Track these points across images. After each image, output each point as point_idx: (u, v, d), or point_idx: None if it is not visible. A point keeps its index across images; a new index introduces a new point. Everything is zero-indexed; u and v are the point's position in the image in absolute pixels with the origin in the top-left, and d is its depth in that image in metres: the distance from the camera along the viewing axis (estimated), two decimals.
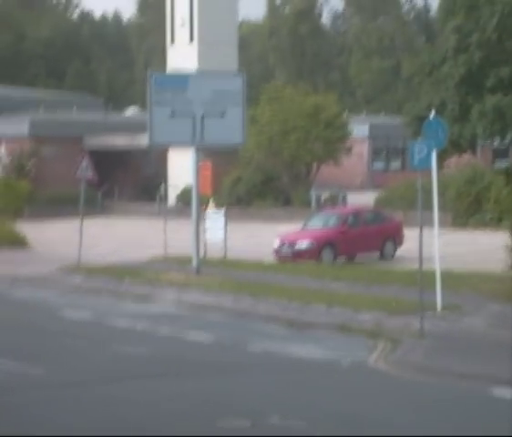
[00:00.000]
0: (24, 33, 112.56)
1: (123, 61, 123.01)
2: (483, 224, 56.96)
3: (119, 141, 78.51)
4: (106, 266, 42.78)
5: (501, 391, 19.89)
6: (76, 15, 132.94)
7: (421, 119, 45.41)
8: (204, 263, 41.66)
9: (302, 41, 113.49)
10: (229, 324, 30.26)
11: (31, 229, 54.78)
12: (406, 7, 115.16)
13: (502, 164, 74.56)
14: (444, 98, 68.21)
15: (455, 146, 61.24)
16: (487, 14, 73.89)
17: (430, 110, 37.83)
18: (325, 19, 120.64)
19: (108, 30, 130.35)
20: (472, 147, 70.67)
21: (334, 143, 73.34)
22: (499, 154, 79.98)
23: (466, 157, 69.73)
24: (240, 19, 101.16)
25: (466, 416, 18.76)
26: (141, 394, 20.47)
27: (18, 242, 52.27)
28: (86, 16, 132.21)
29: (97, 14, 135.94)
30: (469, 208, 59.74)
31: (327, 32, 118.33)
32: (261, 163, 73.42)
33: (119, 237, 55.38)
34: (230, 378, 22.41)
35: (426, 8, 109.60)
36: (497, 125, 67.66)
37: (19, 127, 79.90)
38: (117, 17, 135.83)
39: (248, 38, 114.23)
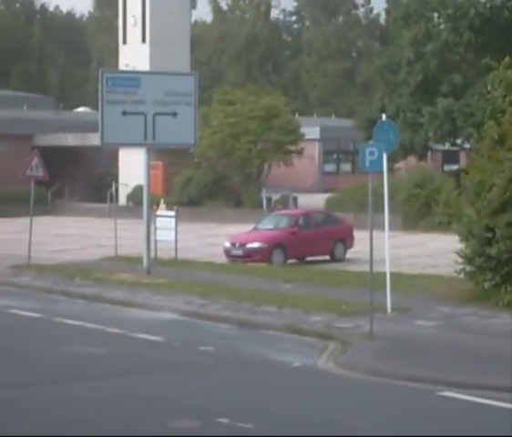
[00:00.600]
0: None
1: (80, 59, 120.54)
2: (432, 227, 57.48)
3: (70, 140, 78.52)
4: (56, 264, 42.87)
5: (446, 393, 20.20)
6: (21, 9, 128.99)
7: (372, 122, 45.84)
8: (155, 263, 41.89)
9: (256, 42, 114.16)
10: (180, 325, 30.38)
11: None
12: (362, 11, 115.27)
13: (452, 167, 75.75)
14: (398, 105, 69.90)
15: (406, 149, 62.82)
16: (441, 21, 75.69)
17: (382, 114, 38.92)
18: (279, 20, 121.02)
19: (63, 26, 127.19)
20: (423, 150, 72.27)
21: (285, 145, 74.12)
22: (449, 158, 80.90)
23: (416, 160, 71.19)
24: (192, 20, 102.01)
25: (413, 418, 18.92)
26: (92, 393, 20.48)
27: None
28: (35, 12, 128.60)
29: (50, 8, 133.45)
30: (419, 211, 60.28)
31: (280, 33, 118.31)
32: (213, 164, 73.69)
33: (70, 236, 55.27)
34: (182, 377, 22.59)
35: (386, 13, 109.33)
36: (448, 127, 69.39)
37: None
38: (71, 13, 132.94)
39: (199, 38, 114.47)
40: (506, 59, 35.62)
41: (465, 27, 69.58)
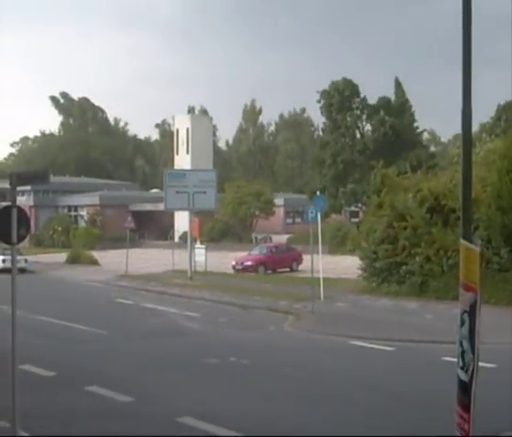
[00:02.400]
0: None
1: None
2: (346, 252, 59.09)
3: (148, 207, 79.27)
4: (140, 274, 42.91)
5: (354, 342, 20.65)
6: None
7: (312, 195, 47.05)
8: (194, 274, 41.86)
9: (254, 155, 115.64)
10: (207, 307, 30.30)
11: (100, 255, 55.41)
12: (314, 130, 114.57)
13: (355, 220, 77.54)
14: (324, 185, 71.75)
15: (331, 210, 64.15)
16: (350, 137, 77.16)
17: (317, 191, 40.24)
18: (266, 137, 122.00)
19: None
20: (339, 211, 74.09)
21: (266, 209, 75.87)
22: (353, 214, 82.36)
23: (335, 216, 72.46)
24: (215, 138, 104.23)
25: (335, 355, 19.53)
26: (160, 344, 20.80)
27: (93, 262, 53.16)
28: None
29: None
30: (338, 243, 62.09)
31: (266, 146, 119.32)
32: (226, 219, 74.78)
33: (148, 259, 54.69)
34: (208, 337, 22.75)
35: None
36: (352, 200, 71.87)
37: (93, 199, 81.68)
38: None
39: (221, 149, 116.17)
40: (381, 163, 37.55)
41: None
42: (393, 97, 77.95)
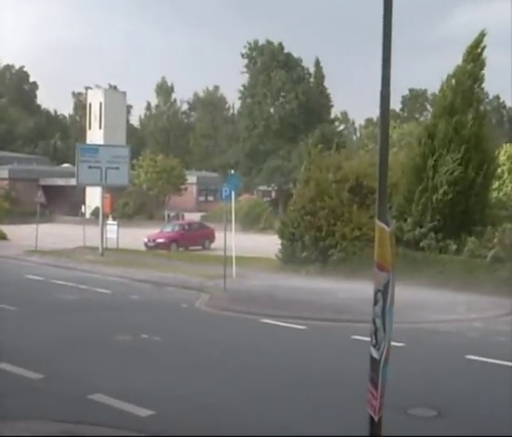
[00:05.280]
0: None
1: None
2: (259, 230, 59.73)
3: (59, 181, 78.15)
4: (51, 250, 42.38)
5: (266, 320, 20.80)
6: None
7: (226, 173, 47.35)
8: (106, 250, 41.80)
9: (167, 132, 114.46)
10: (119, 284, 30.02)
11: (9, 230, 54.16)
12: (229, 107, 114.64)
13: (267, 199, 78.37)
14: (237, 160, 72.10)
15: (244, 189, 64.51)
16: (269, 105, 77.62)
17: (231, 169, 40.38)
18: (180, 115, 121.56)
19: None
20: (252, 190, 74.76)
21: (178, 185, 75.73)
22: (265, 194, 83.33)
23: (248, 196, 73.00)
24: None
25: (247, 332, 19.47)
26: (73, 320, 20.47)
27: (2, 237, 51.75)
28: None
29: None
30: (252, 221, 62.51)
31: (180, 123, 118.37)
32: (140, 195, 74.65)
33: (58, 235, 53.58)
34: (120, 312, 22.49)
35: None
36: (266, 178, 72.89)
37: (2, 172, 79.72)
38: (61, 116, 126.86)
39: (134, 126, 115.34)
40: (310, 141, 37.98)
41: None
42: (311, 78, 78.97)
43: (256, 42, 79.55)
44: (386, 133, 5.43)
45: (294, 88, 76.27)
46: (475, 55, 30.08)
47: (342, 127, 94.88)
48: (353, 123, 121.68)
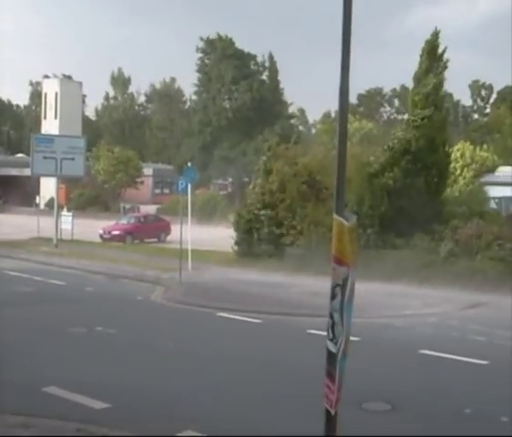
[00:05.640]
0: None
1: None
2: (215, 223, 59.48)
3: (13, 172, 77.29)
4: (4, 241, 41.63)
5: (222, 314, 20.80)
6: None
7: (182, 166, 47.06)
8: (60, 242, 41.56)
9: (123, 124, 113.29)
10: (74, 275, 29.84)
11: None
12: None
13: (223, 192, 78.34)
14: (193, 154, 72.22)
15: (200, 182, 64.45)
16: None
17: (188, 162, 40.26)
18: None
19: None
20: (208, 184, 74.74)
21: (134, 178, 75.40)
22: (222, 187, 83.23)
23: (204, 189, 72.79)
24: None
25: (203, 325, 19.53)
26: (28, 312, 20.28)
27: None
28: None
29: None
30: (208, 215, 62.39)
31: (136, 115, 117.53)
32: (95, 187, 73.96)
33: (12, 225, 53.02)
34: (75, 304, 22.36)
35: None
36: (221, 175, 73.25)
37: None
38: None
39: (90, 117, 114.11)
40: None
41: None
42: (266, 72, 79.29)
43: (209, 37, 79.84)
44: (345, 128, 5.45)
45: (247, 83, 76.47)
46: (435, 57, 30.43)
47: (298, 123, 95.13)
48: (307, 121, 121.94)
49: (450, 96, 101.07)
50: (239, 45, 79.30)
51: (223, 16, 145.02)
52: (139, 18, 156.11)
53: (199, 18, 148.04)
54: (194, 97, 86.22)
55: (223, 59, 77.52)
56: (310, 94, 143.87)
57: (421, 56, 30.69)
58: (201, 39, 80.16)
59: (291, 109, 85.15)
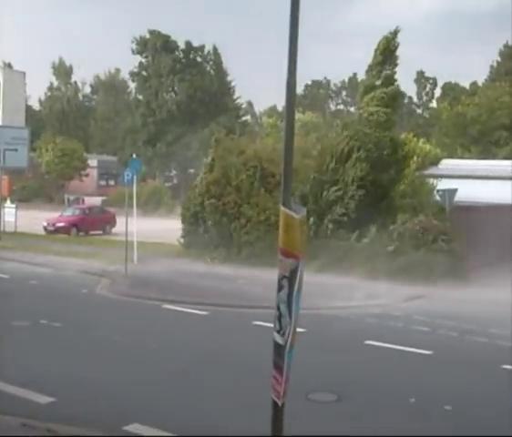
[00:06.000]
0: None
1: None
2: (161, 215, 58.95)
3: None
4: None
5: (168, 306, 20.80)
6: None
7: (127, 158, 46.92)
8: (3, 234, 40.83)
9: (67, 114, 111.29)
10: (18, 268, 29.26)
11: None
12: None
13: (168, 184, 78.19)
14: (138, 147, 71.98)
15: (146, 174, 64.31)
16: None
17: (133, 154, 40.03)
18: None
19: None
20: (153, 176, 74.52)
21: (79, 169, 74.62)
22: (167, 179, 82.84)
23: (150, 181, 72.55)
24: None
25: (151, 318, 19.49)
26: None
27: None
28: None
29: None
30: (153, 206, 61.97)
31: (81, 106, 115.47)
32: (39, 178, 73.01)
33: None
34: (20, 298, 21.77)
35: None
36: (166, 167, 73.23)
37: None
38: None
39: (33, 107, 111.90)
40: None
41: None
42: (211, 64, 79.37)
43: (142, 36, 79.90)
44: (292, 120, 5.47)
45: (188, 76, 76.45)
46: (387, 53, 30.73)
47: (246, 117, 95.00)
48: (255, 114, 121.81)
49: (398, 89, 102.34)
50: (186, 36, 79.30)
51: (169, 4, 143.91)
52: (83, 5, 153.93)
53: (144, 8, 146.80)
54: (136, 91, 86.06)
55: (159, 54, 77.50)
56: (258, 87, 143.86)
57: (375, 51, 30.94)
58: (133, 41, 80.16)
59: (239, 102, 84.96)
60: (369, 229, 28.97)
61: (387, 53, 31.02)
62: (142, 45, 79.44)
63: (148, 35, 79.84)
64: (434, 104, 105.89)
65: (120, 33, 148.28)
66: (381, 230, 28.85)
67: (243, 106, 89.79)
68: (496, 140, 64.27)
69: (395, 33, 31.08)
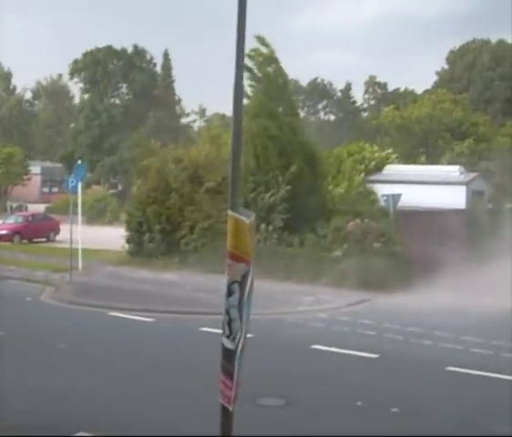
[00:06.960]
0: None
1: None
2: (105, 223, 58.62)
3: None
4: None
5: (113, 313, 20.68)
6: None
7: (72, 163, 46.40)
8: None
9: (8, 120, 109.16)
10: None
11: None
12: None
13: (113, 191, 77.09)
14: (81, 152, 71.31)
15: (92, 181, 63.74)
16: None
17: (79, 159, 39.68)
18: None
19: None
20: (99, 182, 73.70)
21: (22, 175, 73.48)
22: (112, 186, 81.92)
23: (96, 187, 71.58)
24: None
25: (96, 327, 19.35)
26: None
27: None
28: None
29: None
30: (98, 214, 61.16)
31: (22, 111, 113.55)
32: None
33: None
34: None
35: None
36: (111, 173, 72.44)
37: None
38: None
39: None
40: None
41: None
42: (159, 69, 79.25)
43: (76, 59, 79.93)
44: (239, 124, 5.45)
45: (135, 81, 76.22)
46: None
47: (196, 121, 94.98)
48: (199, 119, 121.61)
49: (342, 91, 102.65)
50: (133, 40, 79.18)
51: (117, 9, 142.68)
52: (21, 9, 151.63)
53: (87, 13, 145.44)
54: (82, 94, 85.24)
55: (107, 58, 77.18)
56: (205, 92, 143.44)
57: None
58: (69, 66, 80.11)
59: (191, 106, 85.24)
60: (307, 234, 29.21)
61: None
62: (77, 68, 79.07)
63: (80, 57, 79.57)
64: (381, 110, 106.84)
65: (62, 37, 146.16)
66: (317, 234, 29.12)
67: (183, 109, 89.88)
68: (439, 145, 65.15)
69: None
